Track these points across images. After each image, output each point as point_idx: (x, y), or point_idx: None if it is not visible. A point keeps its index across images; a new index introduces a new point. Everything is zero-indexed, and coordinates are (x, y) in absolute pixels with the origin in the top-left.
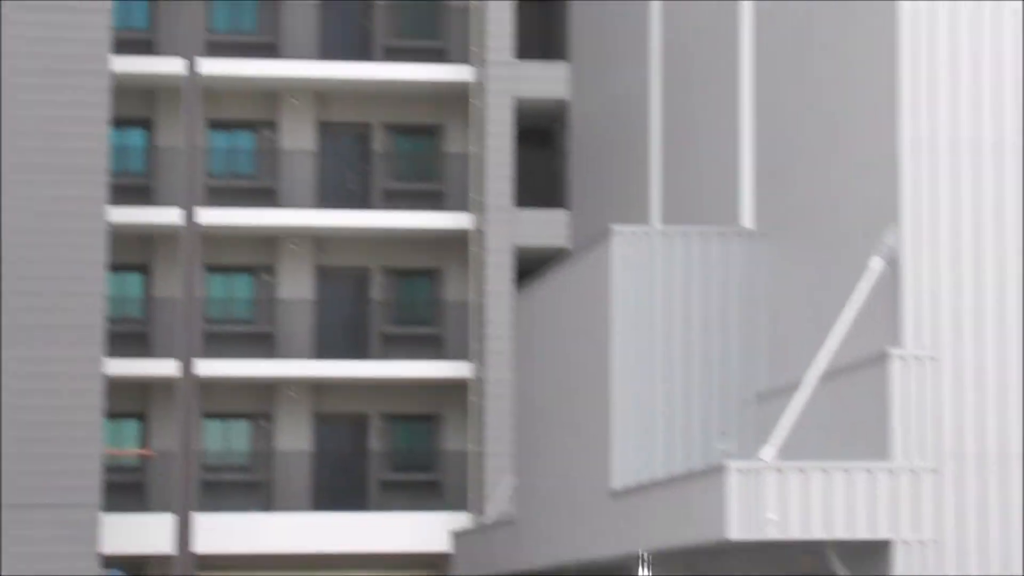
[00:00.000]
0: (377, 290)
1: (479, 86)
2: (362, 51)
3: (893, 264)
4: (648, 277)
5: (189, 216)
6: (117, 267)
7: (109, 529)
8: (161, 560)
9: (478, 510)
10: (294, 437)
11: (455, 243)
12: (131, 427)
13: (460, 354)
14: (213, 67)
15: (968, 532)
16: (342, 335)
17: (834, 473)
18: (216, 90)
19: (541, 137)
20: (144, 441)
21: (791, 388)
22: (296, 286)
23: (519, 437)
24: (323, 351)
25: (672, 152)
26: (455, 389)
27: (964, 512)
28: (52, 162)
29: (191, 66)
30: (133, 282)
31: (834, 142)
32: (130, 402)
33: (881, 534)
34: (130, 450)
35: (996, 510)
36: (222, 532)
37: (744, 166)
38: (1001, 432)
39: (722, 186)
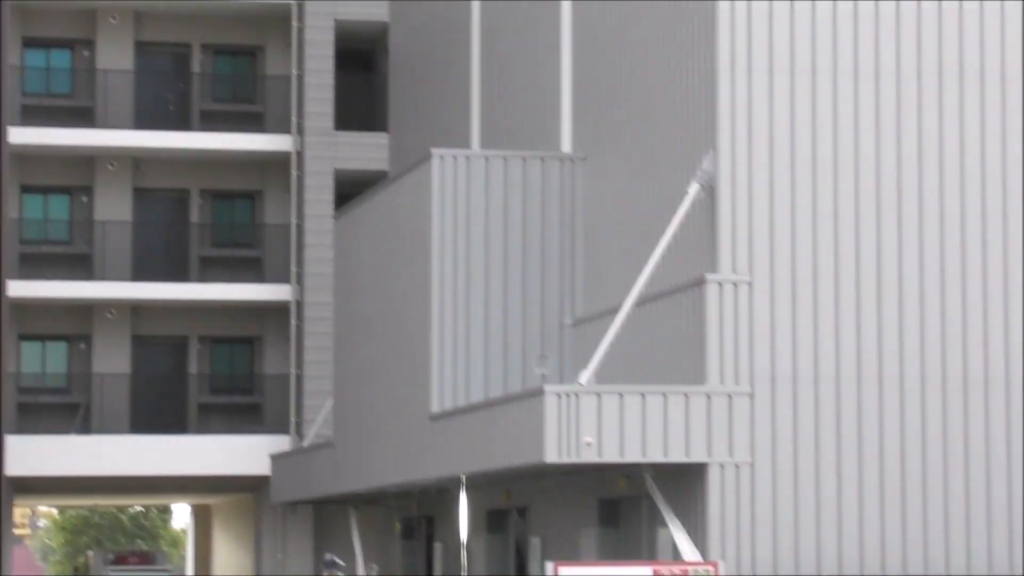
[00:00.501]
0: (196, 212)
1: (299, 8)
2: None
3: (710, 190)
4: (467, 201)
5: (2, 135)
6: None
7: None
8: None
9: (297, 433)
10: (112, 359)
11: (275, 166)
12: None
13: (280, 277)
14: None
15: (782, 455)
16: (161, 257)
17: (650, 397)
18: (32, 8)
19: (361, 60)
20: None
21: (609, 313)
22: (114, 207)
23: (338, 361)
24: (141, 273)
25: (492, 75)
26: (275, 312)
27: (778, 435)
28: None
29: None
30: None
31: (653, 67)
32: None
33: (696, 457)
34: None
35: (809, 433)
36: (38, 454)
37: (564, 90)
38: (814, 355)
39: (542, 110)
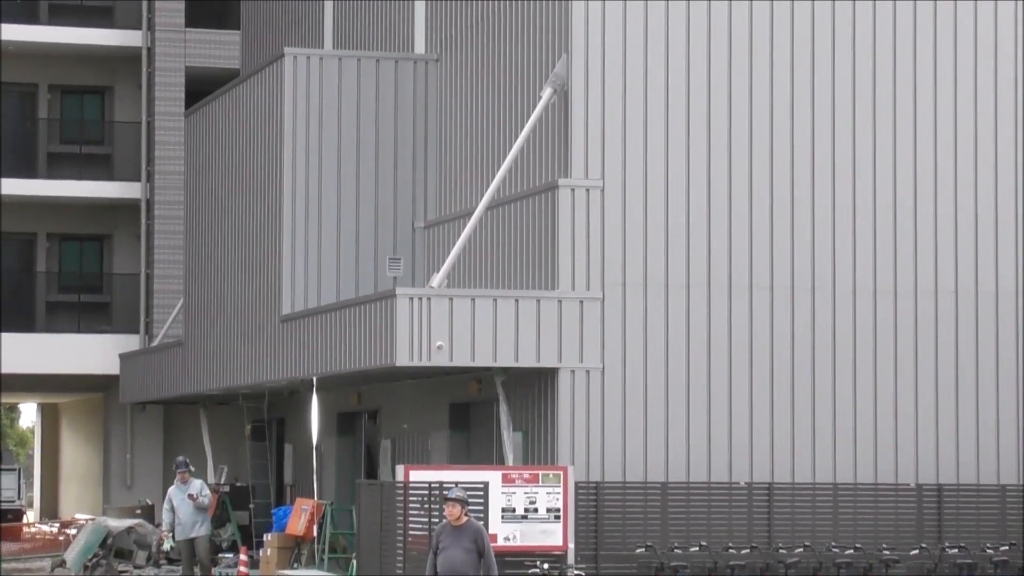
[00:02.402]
0: (45, 107)
1: None
2: None
3: (563, 94)
4: (320, 102)
5: None
6: None
7: None
8: None
9: (147, 333)
10: None
11: (126, 62)
12: None
13: (131, 175)
14: None
15: (632, 360)
16: (9, 153)
17: (502, 301)
18: None
19: None
20: None
21: (461, 216)
22: None
23: (189, 260)
24: None
25: None
26: (125, 210)
27: (629, 341)
28: None
29: None
30: None
31: None
32: None
33: (547, 362)
34: None
35: (659, 337)
36: None
37: None
38: (665, 261)
39: (395, 11)
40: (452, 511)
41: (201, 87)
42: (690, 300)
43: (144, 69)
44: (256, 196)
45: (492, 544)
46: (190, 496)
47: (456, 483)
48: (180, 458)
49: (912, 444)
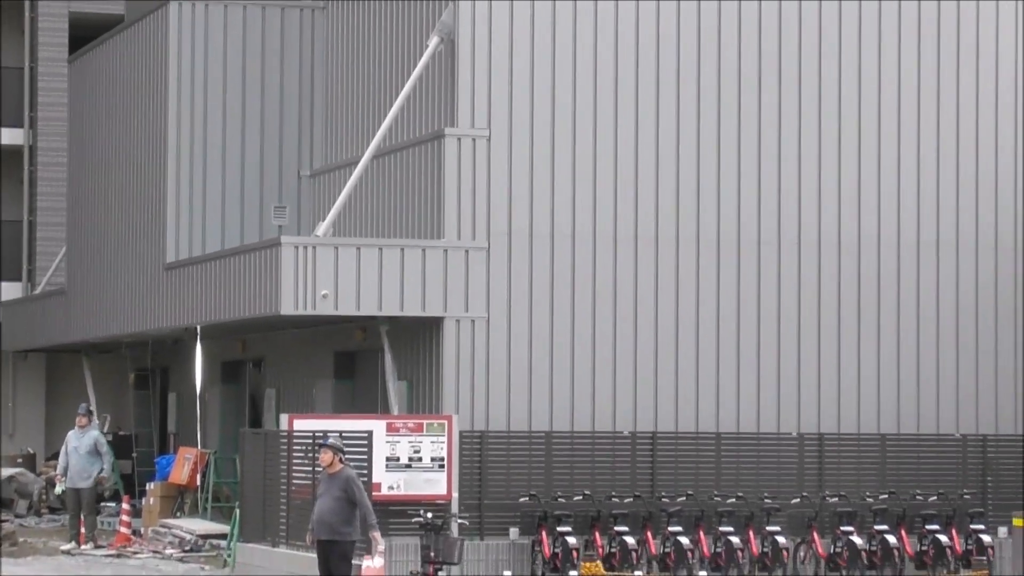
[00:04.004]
0: None
1: None
2: None
3: (450, 43)
4: (205, 48)
5: None
6: None
7: None
8: None
9: (30, 281)
10: None
11: (8, 7)
12: None
13: (13, 121)
14: None
15: (517, 311)
16: None
17: (387, 250)
18: None
19: None
20: None
21: (347, 165)
22: None
23: (72, 208)
24: None
25: None
26: (9, 157)
27: (514, 291)
28: None
29: None
30: None
31: None
32: None
33: (433, 311)
34: None
35: (545, 287)
36: None
37: None
38: (551, 211)
39: None
40: (324, 458)
41: (85, 32)
42: (575, 250)
43: (27, 14)
44: (141, 144)
45: (376, 493)
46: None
47: (340, 432)
48: (84, 404)
49: (794, 394)
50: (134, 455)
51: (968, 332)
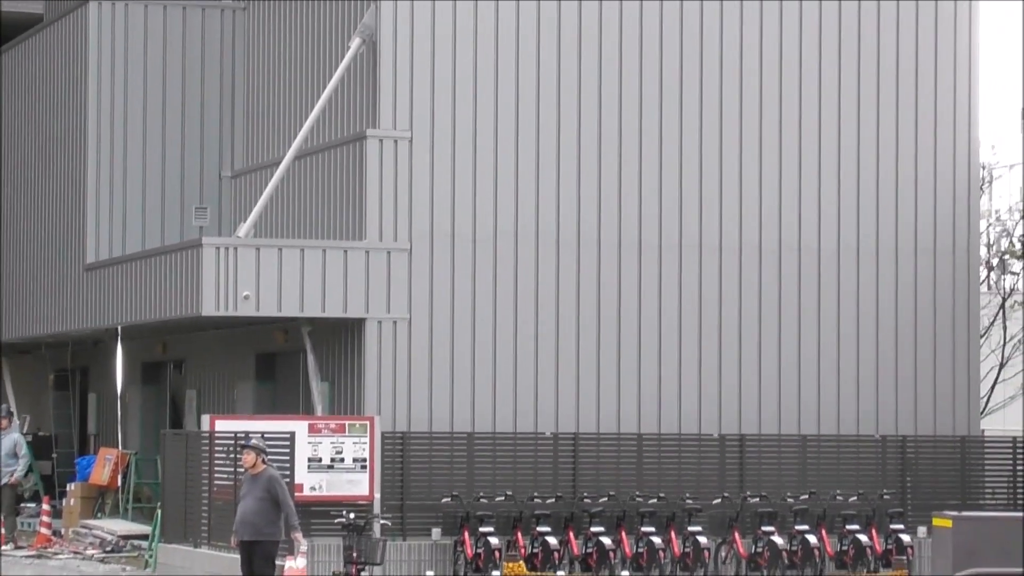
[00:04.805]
0: None
1: None
2: None
3: (372, 44)
4: (126, 48)
5: None
6: None
7: None
8: None
9: None
10: None
11: None
12: None
13: None
14: None
15: (440, 310)
16: None
17: (309, 251)
18: None
19: None
20: None
21: (269, 165)
22: None
23: None
24: None
25: None
26: None
27: (436, 292)
28: None
29: None
30: None
31: None
32: None
33: (354, 312)
34: None
35: (467, 289)
36: None
37: None
38: (473, 213)
39: None
40: (247, 459)
41: (4, 32)
42: (497, 251)
43: None
44: (61, 143)
45: (298, 494)
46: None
47: (262, 433)
48: (4, 405)
49: (716, 395)
50: (54, 456)
51: (888, 335)
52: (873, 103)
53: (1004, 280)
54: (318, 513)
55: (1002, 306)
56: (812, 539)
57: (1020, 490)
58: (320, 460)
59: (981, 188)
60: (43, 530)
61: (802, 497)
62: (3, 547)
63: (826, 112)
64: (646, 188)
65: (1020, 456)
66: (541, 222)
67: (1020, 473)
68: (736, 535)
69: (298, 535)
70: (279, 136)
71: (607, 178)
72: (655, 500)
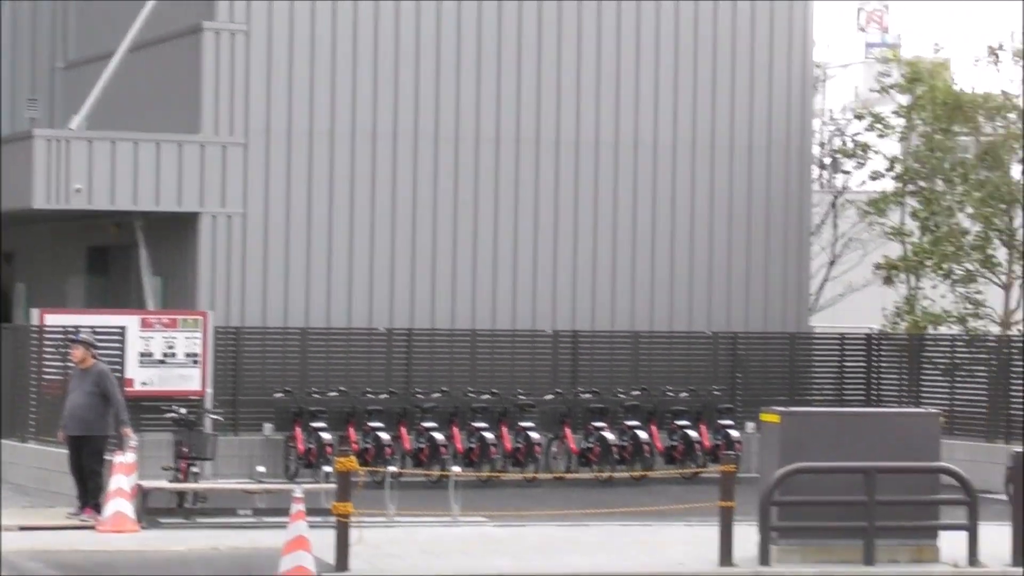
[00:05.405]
0: None
1: None
2: None
3: None
4: None
5: None
6: None
7: None
8: None
9: None
10: None
11: None
12: None
13: None
14: None
15: (274, 207)
16: None
17: (143, 144)
18: None
19: None
20: None
21: (103, 57)
22: None
23: None
24: None
25: None
26: None
27: (271, 187)
28: None
29: None
30: None
31: None
32: None
33: (188, 207)
34: None
35: (302, 185)
36: None
37: None
38: (310, 109)
39: None
40: (75, 353)
41: None
42: (334, 147)
43: None
44: None
45: (129, 389)
46: None
47: (92, 328)
48: None
49: (549, 291)
50: None
51: (720, 232)
52: (711, 1)
53: (836, 179)
54: (149, 408)
55: (833, 204)
56: (642, 435)
57: (847, 386)
58: (152, 355)
59: (815, 87)
60: None
61: (633, 393)
62: None
63: (664, 9)
64: (484, 84)
65: (848, 353)
66: (378, 118)
67: (847, 369)
68: (567, 431)
69: (127, 430)
70: (114, 27)
71: (445, 75)
72: (488, 396)
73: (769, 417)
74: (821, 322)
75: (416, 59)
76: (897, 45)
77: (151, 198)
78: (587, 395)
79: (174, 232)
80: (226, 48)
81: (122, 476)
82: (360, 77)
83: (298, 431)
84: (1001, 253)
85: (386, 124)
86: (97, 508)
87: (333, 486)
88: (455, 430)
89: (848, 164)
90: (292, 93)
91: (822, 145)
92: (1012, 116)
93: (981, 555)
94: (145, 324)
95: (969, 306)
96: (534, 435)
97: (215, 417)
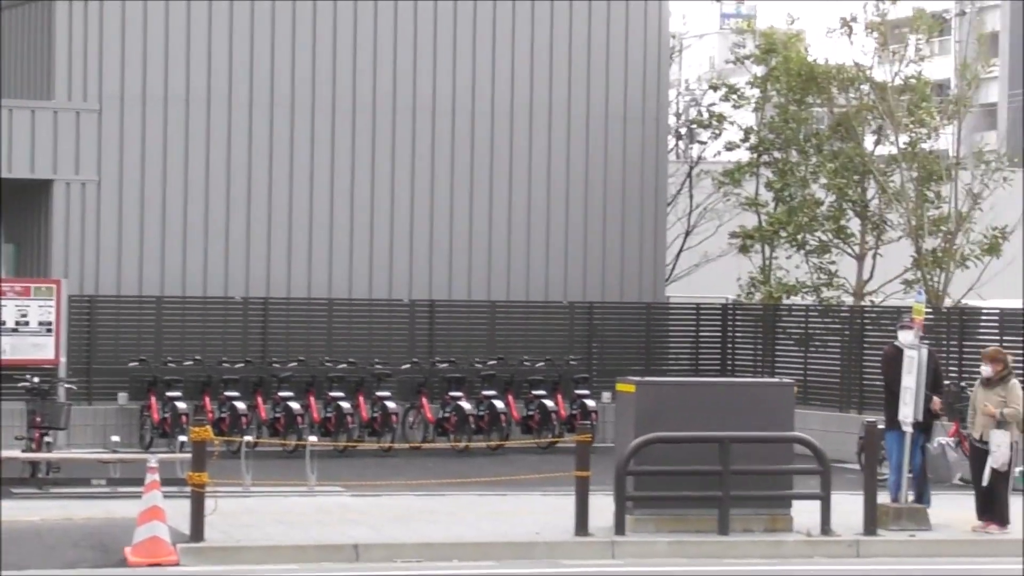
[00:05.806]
0: None
1: None
2: None
3: None
4: None
5: None
6: None
7: None
8: None
9: None
10: None
11: None
12: None
13: None
14: None
15: (129, 172)
16: None
17: None
18: None
19: None
20: None
21: None
22: None
23: None
24: None
25: None
26: None
27: (126, 154)
28: None
29: None
30: None
31: None
32: None
33: (41, 173)
34: None
35: (156, 151)
36: None
37: None
38: (164, 75)
39: None
40: None
41: None
42: (189, 113)
43: None
44: None
45: None
46: None
47: None
48: None
49: (406, 260)
50: None
51: (577, 201)
52: None
53: (691, 149)
54: (1, 377)
55: (689, 175)
56: (499, 404)
57: (703, 356)
58: (4, 323)
59: (671, 57)
60: None
61: (490, 363)
62: None
63: None
64: (340, 48)
65: (703, 323)
66: (234, 84)
67: (703, 339)
68: (424, 400)
69: None
70: None
71: (301, 41)
72: (344, 365)
73: (624, 387)
74: (677, 292)
75: (272, 25)
76: (752, 16)
77: (3, 164)
78: (444, 365)
79: (27, 199)
80: (79, 12)
81: None
82: (216, 42)
83: (153, 400)
84: (854, 224)
85: (242, 90)
86: None
87: (188, 456)
88: (311, 399)
89: (703, 135)
90: (147, 58)
91: (678, 115)
92: (865, 88)
93: (834, 524)
94: None
95: (823, 276)
96: (391, 404)
97: (69, 386)
